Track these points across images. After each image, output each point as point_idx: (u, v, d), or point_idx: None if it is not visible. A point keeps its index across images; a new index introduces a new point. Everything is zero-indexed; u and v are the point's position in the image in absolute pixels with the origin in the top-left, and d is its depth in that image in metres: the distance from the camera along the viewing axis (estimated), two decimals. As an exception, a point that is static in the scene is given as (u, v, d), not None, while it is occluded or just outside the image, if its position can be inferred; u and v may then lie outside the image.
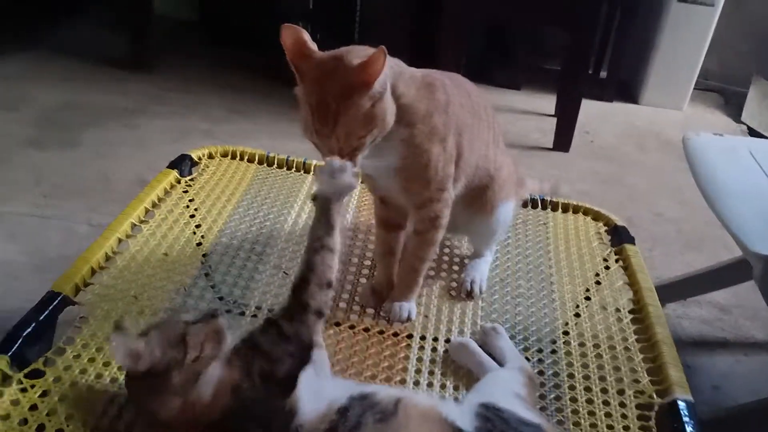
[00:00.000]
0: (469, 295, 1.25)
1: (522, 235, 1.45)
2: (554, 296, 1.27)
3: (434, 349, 1.12)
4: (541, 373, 1.08)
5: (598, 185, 2.77)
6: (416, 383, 1.05)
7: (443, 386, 1.05)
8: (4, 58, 3.30)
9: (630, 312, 1.20)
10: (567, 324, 1.20)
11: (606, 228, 1.46)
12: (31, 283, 1.81)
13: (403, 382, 1.05)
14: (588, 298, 1.26)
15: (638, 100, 3.69)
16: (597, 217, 1.50)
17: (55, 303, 1.03)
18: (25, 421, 0.87)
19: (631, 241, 1.39)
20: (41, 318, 0.99)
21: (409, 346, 1.13)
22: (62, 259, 1.38)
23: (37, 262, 1.94)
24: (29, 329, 0.97)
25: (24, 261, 1.95)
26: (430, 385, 1.05)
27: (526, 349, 1.14)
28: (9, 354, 0.92)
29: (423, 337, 1.15)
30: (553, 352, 1.13)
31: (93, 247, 1.17)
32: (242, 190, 1.49)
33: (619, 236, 1.41)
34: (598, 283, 1.30)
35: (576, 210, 1.53)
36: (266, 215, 1.43)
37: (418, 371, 1.07)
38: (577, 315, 1.22)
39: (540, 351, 1.14)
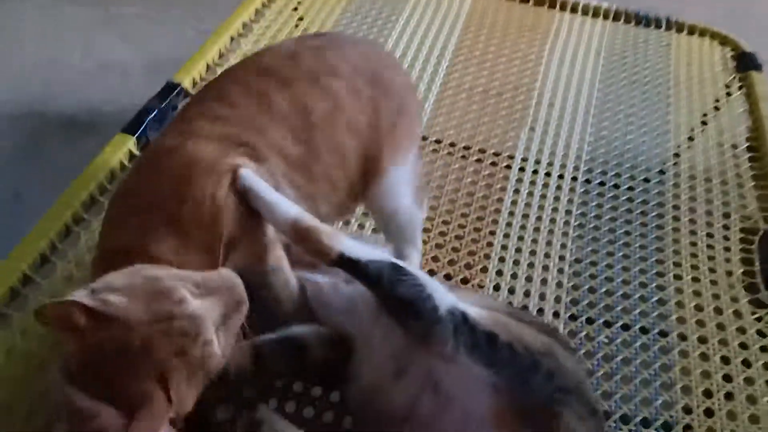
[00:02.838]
0: None
1: (642, 55, 1.37)
2: (669, 118, 1.22)
3: (533, 181, 1.10)
4: (645, 191, 1.07)
5: (721, 13, 2.55)
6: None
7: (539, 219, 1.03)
8: None
9: (746, 140, 1.15)
10: (679, 147, 1.16)
11: (733, 53, 1.37)
12: (143, 81, 1.89)
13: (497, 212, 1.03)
14: (704, 123, 1.21)
15: None
16: (724, 41, 1.40)
17: (174, 93, 1.07)
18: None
19: (759, 68, 1.30)
20: (162, 105, 1.04)
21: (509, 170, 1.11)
22: (171, 60, 1.40)
23: (147, 62, 2.00)
24: (152, 115, 1.02)
25: (135, 60, 2.02)
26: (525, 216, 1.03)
27: (632, 167, 1.12)
28: (135, 135, 0.99)
29: (524, 159, 1.13)
30: (661, 172, 1.11)
31: (207, 44, 1.20)
32: (350, -6, 1.45)
33: (745, 63, 1.32)
34: (716, 108, 1.24)
35: (702, 33, 1.42)
36: (374, 20, 1.40)
37: (514, 203, 1.05)
38: (691, 139, 1.18)
39: (648, 170, 1.11)
